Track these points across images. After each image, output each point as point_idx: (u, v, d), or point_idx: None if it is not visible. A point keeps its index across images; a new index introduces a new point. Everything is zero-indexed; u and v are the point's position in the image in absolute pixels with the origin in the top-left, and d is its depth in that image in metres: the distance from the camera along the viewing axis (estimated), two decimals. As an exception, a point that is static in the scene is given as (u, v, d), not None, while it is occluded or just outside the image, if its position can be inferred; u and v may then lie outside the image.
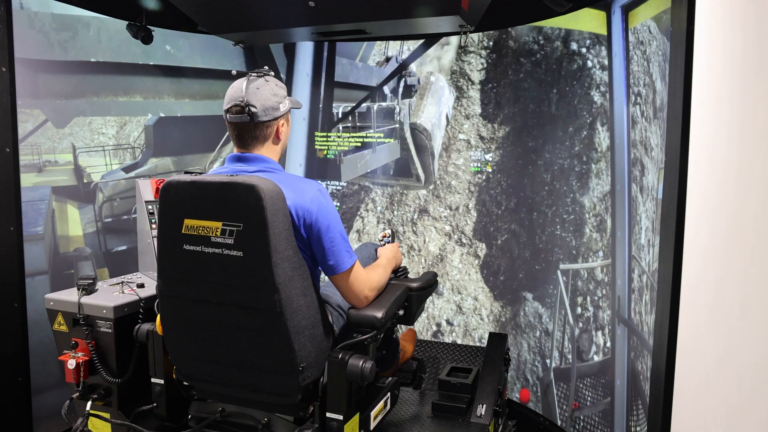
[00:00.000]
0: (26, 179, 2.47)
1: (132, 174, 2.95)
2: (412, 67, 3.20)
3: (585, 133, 2.41)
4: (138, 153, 2.99)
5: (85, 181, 2.76)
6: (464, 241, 3.08)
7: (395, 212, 3.32)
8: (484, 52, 2.92)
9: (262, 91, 1.57)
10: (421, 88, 3.16)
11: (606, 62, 2.43)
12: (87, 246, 2.74)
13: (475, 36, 2.95)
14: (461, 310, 3.15)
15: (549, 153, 2.53)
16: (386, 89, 3.28)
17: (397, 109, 3.24)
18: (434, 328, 3.31)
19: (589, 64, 2.29)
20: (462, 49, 2.99)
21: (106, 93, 2.85)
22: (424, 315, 3.29)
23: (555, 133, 2.46)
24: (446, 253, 3.18)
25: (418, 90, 3.16)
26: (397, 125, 3.27)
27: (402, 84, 3.19)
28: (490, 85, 2.92)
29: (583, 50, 2.47)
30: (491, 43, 2.88)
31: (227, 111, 1.58)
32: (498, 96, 2.88)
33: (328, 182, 3.53)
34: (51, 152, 2.63)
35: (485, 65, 2.94)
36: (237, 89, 1.58)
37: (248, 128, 1.58)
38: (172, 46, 3.05)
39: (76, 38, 2.66)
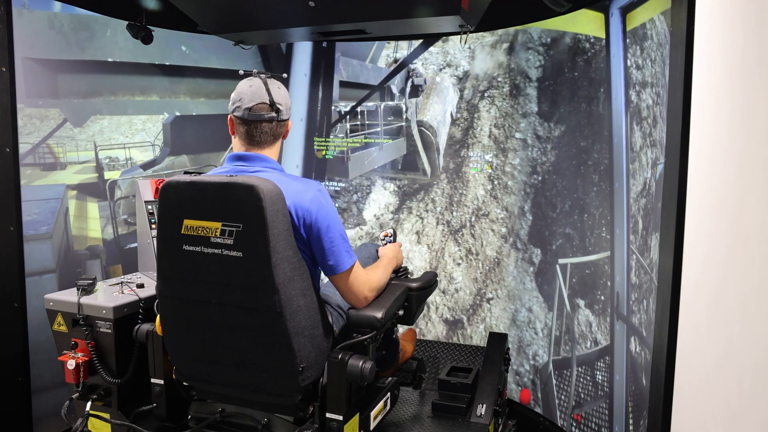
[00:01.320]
0: (46, 177, 2.50)
1: (150, 171, 2.97)
2: (420, 67, 3.26)
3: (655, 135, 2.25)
4: (157, 150, 3.01)
5: (105, 178, 2.77)
6: (519, 245, 3.00)
7: (454, 213, 3.23)
8: (541, 49, 2.83)
9: (282, 91, 1.62)
10: (427, 87, 3.26)
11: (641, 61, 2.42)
12: (104, 243, 2.75)
13: (534, 32, 2.84)
14: (515, 322, 3.02)
15: (597, 153, 2.48)
16: (394, 89, 3.34)
17: (405, 108, 3.32)
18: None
19: (629, 62, 2.27)
20: (521, 46, 2.92)
21: (123, 92, 2.89)
22: (479, 327, 3.19)
23: (602, 132, 2.43)
24: (502, 257, 3.08)
25: (424, 89, 3.26)
26: (404, 123, 3.34)
27: (409, 84, 3.28)
28: (547, 82, 2.81)
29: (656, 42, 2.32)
30: (549, 40, 2.77)
31: (249, 109, 1.57)
32: (554, 94, 2.76)
33: (328, 182, 3.53)
34: (74, 150, 2.66)
35: (542, 62, 2.84)
36: (258, 88, 1.58)
37: (270, 126, 1.60)
38: (188, 46, 3.09)
39: (93, 38, 2.70)
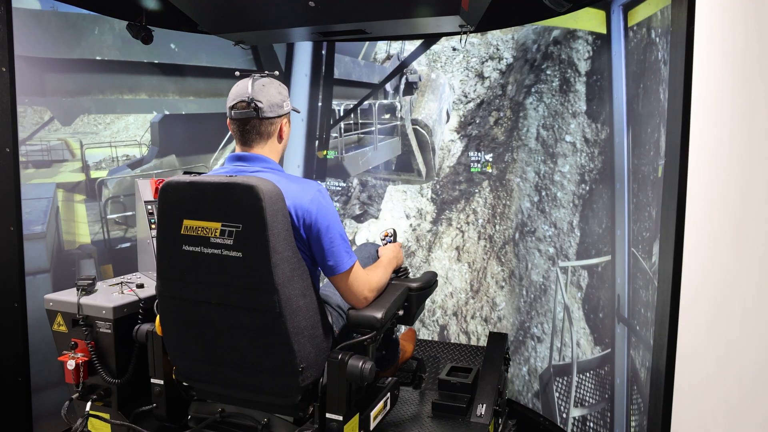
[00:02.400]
0: (32, 176, 2.48)
1: (137, 171, 2.96)
2: (414, 64, 3.22)
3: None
4: (144, 150, 3.01)
5: (92, 177, 2.76)
6: (568, 267, 2.64)
7: (497, 227, 2.92)
8: (590, 38, 2.47)
9: (267, 88, 1.59)
10: (422, 84, 3.21)
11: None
12: (93, 243, 2.75)
13: (584, 19, 2.49)
14: (563, 359, 2.70)
15: (637, 158, 2.19)
16: (388, 86, 3.30)
17: (399, 106, 3.27)
18: (534, 386, 2.85)
19: (659, 56, 2.05)
20: (570, 35, 2.59)
21: (112, 91, 2.87)
22: (521, 370, 2.89)
23: (639, 135, 2.17)
24: (549, 283, 2.70)
25: (419, 87, 3.21)
26: (399, 122, 3.30)
27: (403, 81, 3.24)
28: (595, 77, 2.46)
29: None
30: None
31: (232, 108, 1.58)
32: (601, 91, 2.44)
33: (329, 182, 3.53)
34: (60, 149, 2.64)
35: (591, 53, 2.47)
36: (242, 87, 1.59)
37: (253, 124, 1.59)
38: (177, 44, 3.07)
39: (81, 36, 2.68)
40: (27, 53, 2.46)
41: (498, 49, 2.91)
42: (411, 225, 3.31)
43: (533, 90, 2.74)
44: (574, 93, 2.55)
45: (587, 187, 2.50)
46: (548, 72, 2.65)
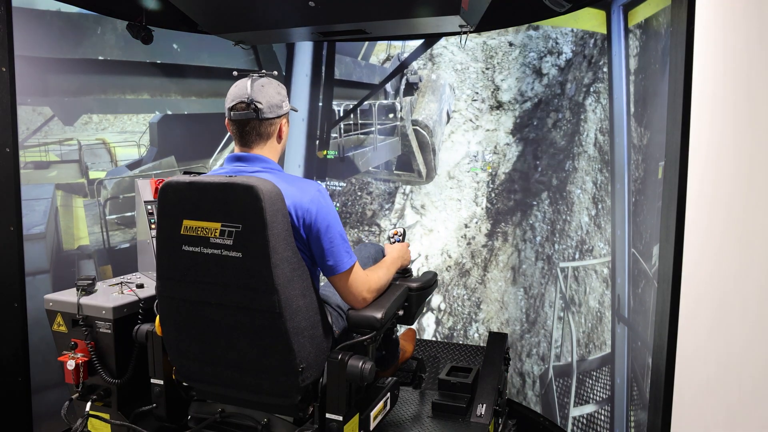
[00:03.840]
0: (32, 176, 2.49)
1: (136, 171, 2.96)
2: (414, 64, 3.22)
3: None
4: (143, 150, 3.01)
5: (91, 177, 2.77)
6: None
7: (557, 245, 2.59)
8: (638, 32, 2.21)
9: (267, 89, 1.59)
10: (423, 85, 3.20)
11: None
12: (91, 244, 2.75)
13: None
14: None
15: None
16: (389, 87, 3.29)
17: (399, 107, 3.26)
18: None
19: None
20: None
21: (114, 91, 2.88)
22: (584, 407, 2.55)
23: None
24: (604, 310, 2.38)
25: (419, 87, 3.21)
26: (399, 122, 3.30)
27: (404, 82, 3.24)
28: (641, 76, 2.21)
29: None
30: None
31: (231, 109, 1.58)
32: (645, 91, 2.20)
33: (330, 182, 3.53)
34: (57, 149, 2.65)
35: (638, 49, 2.21)
36: (241, 87, 1.58)
37: (253, 125, 1.58)
38: (180, 44, 3.08)
39: (84, 36, 2.70)
40: (29, 53, 2.47)
41: (557, 43, 2.62)
42: (465, 236, 3.09)
43: (592, 89, 2.46)
44: (654, 94, 2.17)
45: (633, 198, 2.23)
46: (605, 69, 2.38)
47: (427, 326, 3.33)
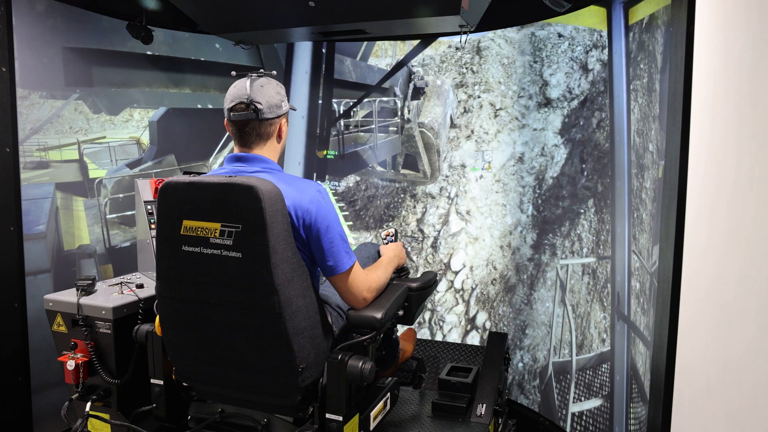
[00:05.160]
0: (36, 176, 2.50)
1: (136, 170, 2.97)
2: (420, 70, 3.26)
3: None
4: (143, 149, 3.02)
5: (90, 177, 2.78)
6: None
7: (602, 259, 2.30)
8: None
9: (266, 89, 1.59)
10: (429, 90, 3.24)
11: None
12: (93, 243, 2.75)
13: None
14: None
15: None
16: (397, 90, 3.32)
17: (407, 110, 3.30)
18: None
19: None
20: (656, 19, 2.05)
21: (158, 84, 3.02)
22: None
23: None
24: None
25: (426, 92, 3.26)
26: (398, 121, 3.33)
27: (411, 86, 3.28)
28: (667, 74, 2.01)
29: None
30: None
31: (230, 109, 1.58)
32: (671, 92, 1.97)
33: (329, 182, 3.53)
34: (129, 144, 2.75)
35: (663, 45, 2.04)
36: (240, 88, 1.58)
37: (253, 126, 1.58)
38: (221, 44, 3.26)
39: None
40: (75, 44, 2.62)
41: (602, 36, 2.40)
42: (509, 246, 2.87)
43: (631, 87, 2.25)
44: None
45: (656, 204, 2.06)
46: (641, 66, 2.18)
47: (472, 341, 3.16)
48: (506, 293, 3.00)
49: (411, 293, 1.83)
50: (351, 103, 3.43)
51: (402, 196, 3.34)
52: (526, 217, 2.83)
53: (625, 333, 2.29)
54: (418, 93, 3.27)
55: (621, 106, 2.33)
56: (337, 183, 3.49)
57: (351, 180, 3.47)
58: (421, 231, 3.29)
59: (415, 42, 3.26)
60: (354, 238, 3.44)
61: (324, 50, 3.44)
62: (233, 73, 1.68)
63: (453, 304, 3.21)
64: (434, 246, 3.26)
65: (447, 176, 3.20)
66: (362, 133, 3.44)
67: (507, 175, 2.95)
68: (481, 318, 3.12)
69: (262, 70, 1.65)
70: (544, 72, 2.75)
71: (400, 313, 1.80)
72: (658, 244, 1.82)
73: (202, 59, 3.14)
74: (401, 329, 2.47)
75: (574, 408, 2.64)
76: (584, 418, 2.59)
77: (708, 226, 1.53)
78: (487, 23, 2.74)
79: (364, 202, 3.45)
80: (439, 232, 3.23)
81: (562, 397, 2.73)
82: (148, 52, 2.92)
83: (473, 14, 2.28)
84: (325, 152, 3.49)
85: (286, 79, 3.46)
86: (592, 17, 2.50)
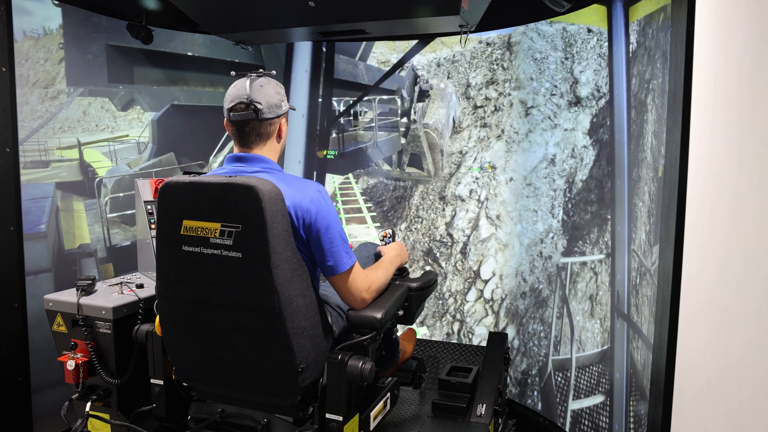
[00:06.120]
0: (36, 175, 2.50)
1: (136, 169, 2.97)
2: (424, 74, 3.30)
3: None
4: (143, 148, 3.03)
5: (90, 176, 2.78)
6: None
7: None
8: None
9: (266, 89, 1.59)
10: (433, 93, 3.29)
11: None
12: (93, 242, 2.76)
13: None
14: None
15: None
16: (405, 93, 3.35)
17: (413, 111, 3.36)
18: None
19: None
20: (664, 13, 1.96)
21: (195, 83, 3.18)
22: None
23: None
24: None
25: (430, 95, 3.30)
26: (398, 119, 3.38)
27: (417, 89, 3.34)
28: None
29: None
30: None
31: (230, 110, 1.58)
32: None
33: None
34: (56, 146, 2.69)
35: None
36: (240, 87, 1.58)
37: (253, 126, 1.58)
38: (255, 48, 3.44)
39: (177, 32, 3.06)
40: (119, 43, 2.79)
41: (643, 30, 2.24)
42: (541, 254, 2.70)
43: (650, 87, 2.10)
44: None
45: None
46: (658, 65, 2.05)
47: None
48: (537, 308, 2.85)
49: (411, 293, 1.83)
50: (351, 101, 3.44)
51: (432, 198, 3.23)
52: (557, 222, 2.68)
53: (625, 331, 2.29)
54: (424, 95, 3.32)
55: (621, 105, 2.33)
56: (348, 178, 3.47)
57: (371, 180, 3.46)
58: (450, 236, 3.18)
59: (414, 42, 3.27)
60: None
61: (324, 49, 3.45)
62: (232, 73, 1.68)
63: (483, 315, 3.11)
64: (464, 252, 3.15)
65: (477, 178, 3.08)
66: (362, 132, 3.45)
67: (539, 178, 2.79)
68: (511, 333, 3.00)
69: (261, 70, 1.65)
70: (574, 69, 2.62)
71: (400, 313, 1.79)
72: (659, 243, 1.82)
73: (237, 61, 3.32)
74: (401, 329, 2.47)
75: (574, 405, 2.63)
76: (584, 415, 2.59)
77: (708, 225, 1.53)
78: (487, 23, 2.74)
79: (392, 203, 3.40)
80: (469, 237, 3.12)
81: (561, 395, 2.73)
82: (189, 53, 3.10)
83: (473, 14, 2.28)
84: (325, 152, 3.49)
85: (286, 77, 3.46)
86: (592, 15, 2.50)
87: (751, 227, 1.29)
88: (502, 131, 2.98)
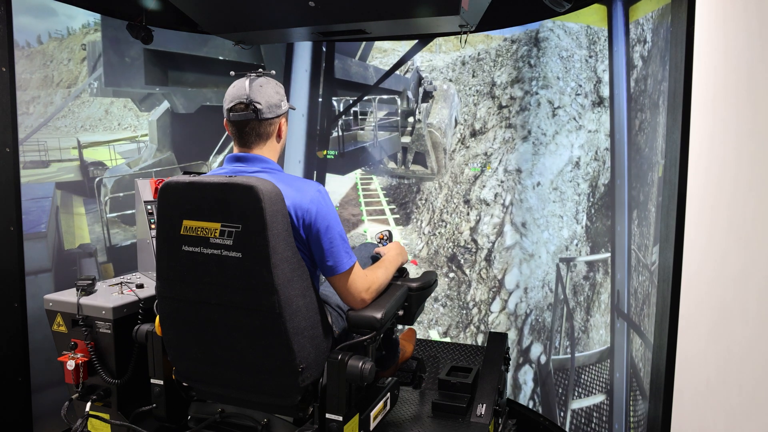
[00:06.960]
0: (36, 175, 2.50)
1: (136, 169, 2.97)
2: (427, 75, 3.33)
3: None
4: (143, 148, 3.03)
5: (90, 176, 2.78)
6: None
7: (639, 275, 2.12)
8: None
9: (265, 89, 1.58)
10: (437, 94, 3.34)
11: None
12: (93, 242, 2.76)
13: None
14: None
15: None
16: (410, 94, 3.39)
17: (417, 111, 3.42)
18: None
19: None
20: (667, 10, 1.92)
21: (224, 86, 3.05)
22: None
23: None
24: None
25: (434, 96, 3.35)
26: (398, 118, 3.43)
27: (421, 91, 3.39)
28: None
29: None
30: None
31: (230, 110, 1.58)
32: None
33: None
34: (56, 147, 2.69)
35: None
36: (239, 87, 1.58)
37: (252, 126, 1.58)
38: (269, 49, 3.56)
39: (210, 37, 3.19)
40: (155, 47, 2.93)
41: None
42: (566, 262, 2.58)
43: (662, 88, 2.02)
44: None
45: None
46: (669, 65, 1.96)
47: (524, 384, 2.87)
48: (564, 320, 2.73)
49: (411, 293, 1.83)
50: (351, 101, 3.45)
51: (456, 201, 3.13)
52: (581, 228, 2.58)
53: (625, 330, 2.29)
54: (428, 96, 3.37)
55: (621, 104, 2.33)
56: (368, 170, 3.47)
57: (392, 180, 3.45)
58: (475, 241, 3.09)
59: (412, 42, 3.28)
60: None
61: (324, 49, 3.45)
62: (232, 73, 1.68)
63: (507, 326, 3.00)
64: (488, 259, 3.05)
65: (502, 182, 2.96)
66: (362, 132, 3.47)
67: (564, 182, 2.66)
68: (536, 351, 2.83)
69: (261, 70, 1.65)
70: (597, 68, 2.52)
71: (400, 313, 1.79)
72: (659, 243, 1.82)
73: (262, 64, 3.46)
74: (401, 329, 2.47)
75: (574, 405, 2.63)
76: (584, 414, 2.59)
77: (708, 225, 1.53)
78: (487, 23, 2.74)
79: (415, 205, 3.36)
80: (494, 244, 3.01)
81: (561, 394, 2.73)
82: (220, 57, 3.28)
83: (473, 14, 2.28)
84: (324, 152, 3.49)
85: (286, 77, 3.46)
86: (592, 15, 2.50)
87: (751, 227, 1.29)
88: (529, 132, 2.85)
